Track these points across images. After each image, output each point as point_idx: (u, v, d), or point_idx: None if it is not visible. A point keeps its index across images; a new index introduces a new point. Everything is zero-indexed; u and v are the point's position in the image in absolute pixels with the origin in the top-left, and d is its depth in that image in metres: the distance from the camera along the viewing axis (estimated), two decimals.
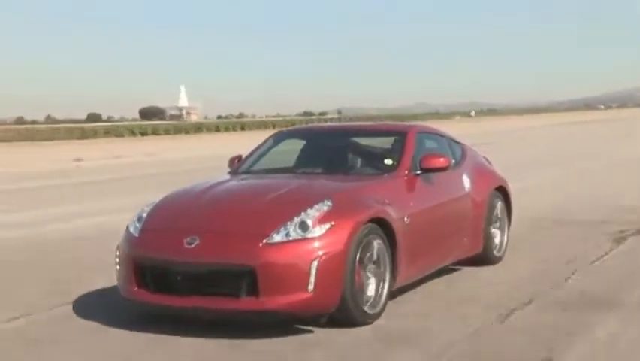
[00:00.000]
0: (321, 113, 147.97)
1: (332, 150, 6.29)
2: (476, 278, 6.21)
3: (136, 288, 4.89)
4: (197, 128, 71.20)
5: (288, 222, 4.67)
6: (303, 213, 4.72)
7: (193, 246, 4.71)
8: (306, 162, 6.24)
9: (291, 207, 4.83)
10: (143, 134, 62.21)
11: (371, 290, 4.93)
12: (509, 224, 7.10)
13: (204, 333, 4.67)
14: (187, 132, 66.54)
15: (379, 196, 5.21)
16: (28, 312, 5.43)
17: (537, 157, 21.13)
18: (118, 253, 5.13)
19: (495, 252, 6.78)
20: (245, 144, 14.81)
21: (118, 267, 5.11)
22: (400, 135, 6.14)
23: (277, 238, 4.62)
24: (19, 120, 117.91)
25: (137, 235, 5.05)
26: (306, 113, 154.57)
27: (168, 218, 5.11)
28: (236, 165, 6.42)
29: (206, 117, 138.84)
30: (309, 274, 4.52)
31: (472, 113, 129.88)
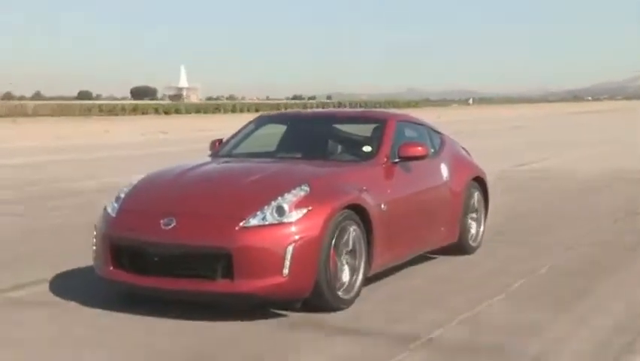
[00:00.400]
0: (310, 98, 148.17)
1: (312, 135, 6.32)
2: None
3: (111, 268, 4.91)
4: (215, 108, 73.79)
5: (265, 206, 4.70)
6: (280, 198, 4.75)
7: (170, 227, 4.73)
8: (286, 147, 6.27)
9: (269, 191, 4.86)
10: (167, 112, 65.03)
11: (346, 276, 4.97)
12: (486, 215, 7.16)
13: (180, 314, 4.70)
14: (205, 112, 68.53)
15: (357, 183, 5.25)
16: None
17: (575, 139, 24.41)
18: (95, 233, 5.14)
19: (471, 242, 6.85)
20: None
21: (94, 247, 5.12)
22: (380, 123, 6.17)
23: (253, 221, 4.64)
24: (7, 96, 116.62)
25: (114, 215, 5.06)
26: (295, 97, 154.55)
27: (146, 199, 5.12)
28: (217, 148, 6.43)
29: (210, 98, 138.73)
30: (284, 258, 4.55)
31: (470, 101, 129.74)
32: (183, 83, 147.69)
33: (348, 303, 4.94)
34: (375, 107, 47.69)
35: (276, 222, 4.64)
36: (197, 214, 4.82)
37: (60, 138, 27.28)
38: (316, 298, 4.74)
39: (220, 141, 6.57)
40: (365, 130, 6.40)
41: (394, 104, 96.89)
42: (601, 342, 4.25)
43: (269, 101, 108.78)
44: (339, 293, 4.88)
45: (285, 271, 4.55)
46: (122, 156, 18.96)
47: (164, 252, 4.72)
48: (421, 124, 6.81)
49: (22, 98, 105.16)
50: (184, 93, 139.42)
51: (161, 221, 4.77)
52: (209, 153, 6.43)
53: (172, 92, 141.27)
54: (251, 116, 8.67)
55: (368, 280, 5.25)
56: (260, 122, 6.71)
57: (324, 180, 5.17)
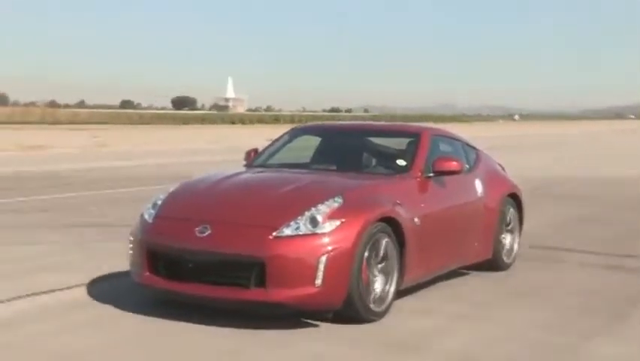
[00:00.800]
0: (347, 111, 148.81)
1: (346, 148, 6.35)
2: None
3: (147, 273, 4.98)
4: (275, 118, 79.61)
5: (299, 217, 4.74)
6: (313, 209, 4.78)
7: (205, 235, 4.79)
8: (321, 158, 6.31)
9: (303, 202, 4.90)
10: (233, 122, 71.14)
11: (378, 288, 4.98)
12: (520, 231, 7.12)
13: (212, 321, 4.75)
14: (263, 122, 73.08)
15: (391, 196, 5.26)
16: None
17: None
18: (131, 239, 5.22)
19: (505, 258, 6.81)
20: None
21: (130, 252, 5.21)
22: (415, 137, 6.18)
23: (287, 231, 4.68)
24: (52, 104, 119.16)
25: (150, 221, 5.14)
26: (332, 110, 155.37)
27: (182, 207, 5.19)
28: (252, 158, 6.50)
29: (249, 109, 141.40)
30: (316, 269, 4.58)
31: (516, 117, 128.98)
32: (230, 94, 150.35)
33: (380, 315, 4.95)
34: (420, 122, 47.77)
35: (310, 232, 4.67)
36: (232, 223, 4.87)
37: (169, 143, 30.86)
38: (347, 309, 4.76)
39: (255, 151, 6.63)
40: (399, 144, 6.42)
41: (441, 119, 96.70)
42: None
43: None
44: (371, 305, 4.88)
45: (318, 281, 4.58)
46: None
47: (199, 259, 4.78)
48: (456, 139, 6.81)
49: (66, 106, 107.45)
50: (230, 104, 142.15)
51: (196, 229, 4.84)
52: (243, 163, 6.50)
53: (221, 103, 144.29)
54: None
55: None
56: (294, 134, 6.76)
57: (358, 192, 5.19)
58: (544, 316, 5.17)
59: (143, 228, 5.16)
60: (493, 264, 6.66)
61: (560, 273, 6.66)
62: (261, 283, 4.60)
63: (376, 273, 4.97)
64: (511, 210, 6.93)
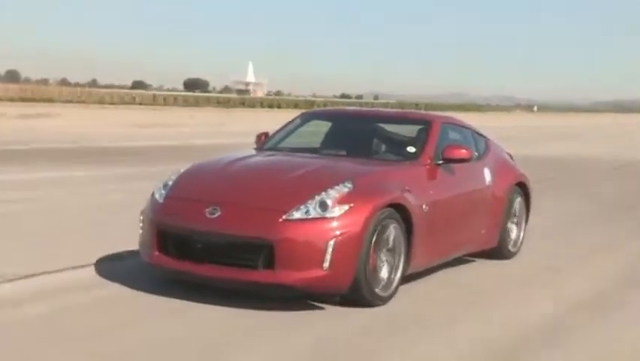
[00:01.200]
0: (358, 97, 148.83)
1: (357, 133, 6.39)
2: None
3: (156, 253, 5.04)
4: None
5: (309, 201, 4.79)
6: (323, 193, 4.83)
7: (214, 216, 4.84)
8: (331, 143, 6.35)
9: (313, 186, 4.94)
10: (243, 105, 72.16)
11: (384, 273, 5.04)
12: (527, 221, 7.16)
13: (220, 301, 4.82)
14: (279, 107, 72.23)
15: (400, 182, 5.30)
16: None
17: None
18: (142, 218, 5.28)
19: (510, 247, 6.85)
20: None
21: (140, 231, 5.27)
22: (425, 124, 6.21)
23: (297, 215, 4.74)
24: (64, 82, 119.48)
25: (161, 201, 5.20)
26: (343, 96, 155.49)
27: (192, 188, 5.24)
28: (263, 141, 6.54)
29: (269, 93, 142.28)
30: (325, 252, 4.63)
31: (535, 109, 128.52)
32: (250, 78, 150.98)
33: (385, 300, 5.01)
34: (439, 110, 47.94)
35: (319, 216, 4.72)
36: (242, 205, 4.92)
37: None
38: (354, 293, 4.81)
39: (266, 134, 6.67)
40: (409, 131, 6.45)
41: (462, 107, 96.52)
42: None
43: (317, 98, 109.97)
44: (377, 290, 4.94)
45: (326, 264, 4.64)
46: None
47: (208, 240, 4.83)
48: (466, 127, 6.83)
49: (77, 84, 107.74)
50: (251, 88, 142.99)
51: (207, 210, 4.89)
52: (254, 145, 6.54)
53: (240, 87, 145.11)
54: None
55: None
56: (305, 118, 6.80)
57: (368, 178, 5.23)
58: None
59: (153, 207, 5.21)
60: (499, 252, 6.71)
61: None
62: (270, 265, 4.66)
63: (383, 258, 5.02)
64: (519, 199, 6.96)
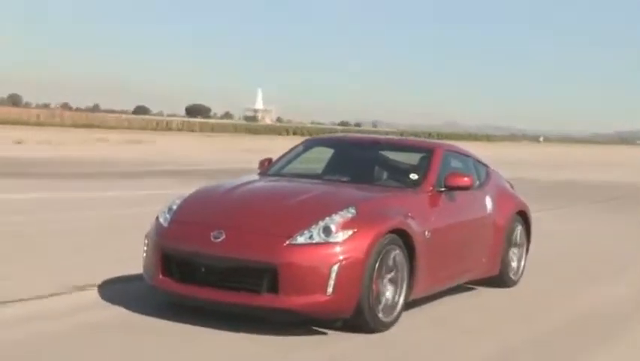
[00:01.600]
0: (356, 124, 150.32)
1: (360, 160, 6.44)
2: None
3: (161, 276, 5.07)
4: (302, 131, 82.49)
5: (313, 226, 4.83)
6: (327, 218, 4.87)
7: (219, 240, 4.88)
8: (334, 169, 6.40)
9: (317, 211, 4.99)
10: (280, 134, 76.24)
11: (387, 299, 5.06)
12: (528, 249, 7.19)
13: (223, 325, 4.84)
14: (294, 133, 75.85)
15: (402, 209, 5.35)
16: None
17: None
18: (146, 242, 5.31)
19: (511, 275, 6.88)
20: None
21: (144, 255, 5.30)
22: (428, 152, 6.27)
23: (301, 239, 4.77)
24: (66, 106, 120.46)
25: (165, 225, 5.23)
26: (342, 124, 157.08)
27: (197, 212, 5.27)
28: (266, 166, 6.60)
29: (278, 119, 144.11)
30: (328, 277, 4.66)
31: (541, 139, 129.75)
32: (259, 105, 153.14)
33: (388, 326, 5.02)
34: (450, 140, 48.68)
35: (323, 241, 4.76)
36: (246, 229, 4.96)
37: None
38: (357, 318, 4.83)
39: (269, 160, 6.73)
40: (410, 159, 6.51)
41: (466, 137, 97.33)
42: None
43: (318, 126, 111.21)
44: (380, 315, 4.96)
45: (329, 289, 4.66)
46: None
47: (213, 264, 4.86)
48: (468, 155, 6.90)
49: (78, 109, 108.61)
50: (259, 115, 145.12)
51: (211, 233, 4.92)
52: (258, 171, 6.59)
53: (248, 114, 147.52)
54: None
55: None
56: (308, 145, 6.86)
57: (371, 204, 5.28)
58: None
59: (158, 231, 5.25)
60: (500, 280, 6.73)
61: None
62: (273, 289, 4.68)
63: (386, 284, 5.05)
64: (520, 227, 7.01)
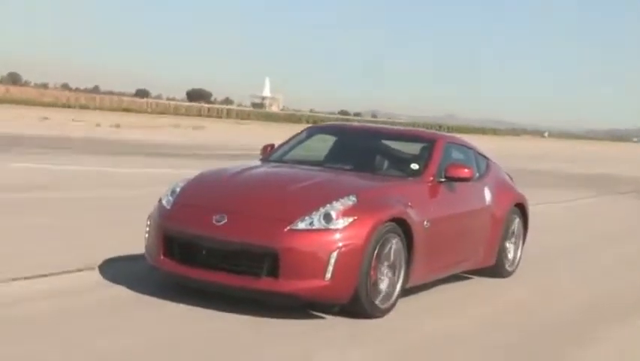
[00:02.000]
0: (356, 114, 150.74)
1: (361, 149, 6.51)
2: None
3: (162, 257, 5.15)
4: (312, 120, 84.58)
5: (313, 212, 4.90)
6: (328, 205, 4.94)
7: (221, 224, 4.95)
8: (335, 157, 6.46)
9: (318, 198, 5.06)
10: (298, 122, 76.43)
11: (384, 286, 5.14)
12: (524, 241, 7.27)
13: (222, 307, 4.93)
14: (314, 122, 76.74)
15: (402, 198, 5.42)
16: None
17: None
18: (148, 223, 5.39)
19: (507, 266, 6.96)
20: None
21: (146, 235, 5.37)
22: (429, 143, 6.34)
23: (301, 225, 4.85)
24: (65, 87, 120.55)
25: (168, 207, 5.31)
26: (341, 113, 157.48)
27: (200, 195, 5.35)
28: (268, 152, 6.66)
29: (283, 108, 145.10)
30: (327, 263, 4.74)
31: (546, 134, 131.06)
32: (266, 92, 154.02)
33: (384, 312, 5.11)
34: (462, 133, 49.26)
35: (323, 228, 4.84)
36: (248, 214, 5.03)
37: None
38: (354, 304, 4.92)
39: (272, 146, 6.79)
40: (411, 149, 6.58)
41: (480, 130, 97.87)
42: None
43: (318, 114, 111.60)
44: (377, 302, 5.04)
45: (328, 275, 4.74)
46: None
47: (214, 246, 4.94)
48: (469, 147, 6.96)
49: (77, 90, 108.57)
50: (267, 103, 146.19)
51: (214, 217, 5.00)
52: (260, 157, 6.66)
53: (256, 101, 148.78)
54: None
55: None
56: (311, 132, 6.92)
57: (371, 193, 5.36)
58: None
59: (160, 213, 5.32)
60: (496, 271, 6.82)
61: None
62: (273, 273, 4.76)
63: (384, 271, 5.13)
64: (517, 219, 7.08)
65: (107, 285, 5.34)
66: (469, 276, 6.71)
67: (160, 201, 5.47)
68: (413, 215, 5.34)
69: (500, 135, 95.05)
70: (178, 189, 5.46)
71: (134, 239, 6.11)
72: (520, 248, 7.15)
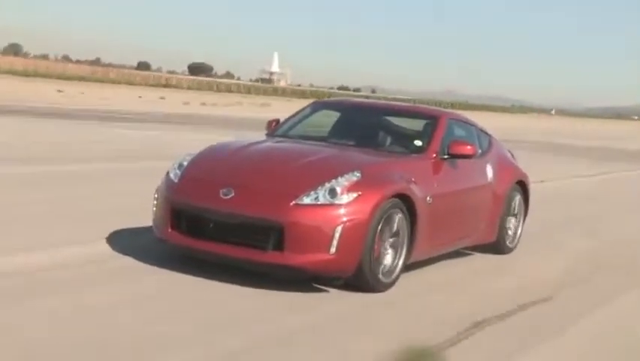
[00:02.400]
0: (356, 90, 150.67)
1: (365, 125, 6.57)
2: None
3: (170, 230, 5.24)
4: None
5: (319, 187, 4.99)
6: (333, 181, 5.03)
7: (228, 197, 5.04)
8: (339, 133, 6.53)
9: (323, 173, 5.14)
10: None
11: (387, 261, 5.24)
12: (525, 218, 7.36)
13: (226, 278, 5.03)
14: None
15: (406, 174, 5.50)
16: None
17: None
18: (156, 196, 5.47)
19: (508, 243, 7.06)
20: None
21: (154, 208, 5.46)
22: (432, 119, 6.40)
23: (307, 200, 4.94)
24: (66, 59, 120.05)
25: (176, 181, 5.39)
26: (340, 88, 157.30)
27: (207, 169, 5.43)
28: (273, 128, 6.72)
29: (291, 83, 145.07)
30: (332, 237, 4.84)
31: (553, 112, 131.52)
32: (275, 68, 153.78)
33: (387, 286, 5.21)
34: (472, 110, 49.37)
35: (328, 203, 4.93)
36: (255, 188, 5.12)
37: None
38: (357, 277, 5.02)
39: (277, 121, 6.85)
40: (414, 125, 6.64)
41: (487, 108, 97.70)
42: None
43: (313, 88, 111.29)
44: (380, 276, 5.15)
45: (332, 249, 4.84)
46: None
47: (221, 219, 5.03)
48: (471, 124, 7.02)
49: (77, 62, 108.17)
50: (275, 78, 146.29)
51: (221, 190, 5.08)
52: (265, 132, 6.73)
53: (264, 76, 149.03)
54: None
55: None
56: (315, 108, 6.98)
57: (376, 168, 5.44)
58: None
59: (168, 187, 5.40)
60: (496, 247, 6.92)
61: None
62: (278, 246, 4.86)
63: (387, 246, 5.22)
64: (518, 197, 7.16)
65: None
66: (469, 252, 6.80)
67: (167, 174, 5.55)
68: (416, 191, 5.43)
69: (510, 113, 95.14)
70: (185, 163, 5.53)
71: None
72: (520, 225, 7.24)
